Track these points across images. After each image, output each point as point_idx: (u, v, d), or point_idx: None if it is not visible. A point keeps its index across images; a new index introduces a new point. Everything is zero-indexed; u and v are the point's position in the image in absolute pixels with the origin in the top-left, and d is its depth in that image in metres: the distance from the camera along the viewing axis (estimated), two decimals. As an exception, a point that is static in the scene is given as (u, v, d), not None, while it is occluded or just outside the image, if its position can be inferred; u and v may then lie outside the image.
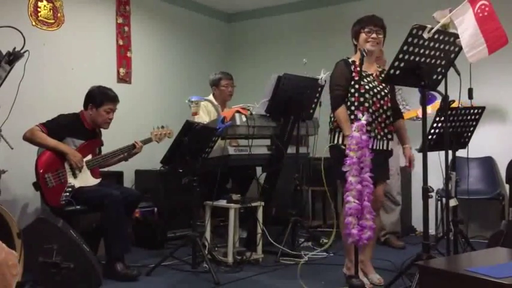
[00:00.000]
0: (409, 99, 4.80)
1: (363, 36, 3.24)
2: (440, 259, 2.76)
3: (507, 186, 4.25)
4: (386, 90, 3.31)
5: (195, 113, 4.03)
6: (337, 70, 3.30)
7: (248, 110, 4.15)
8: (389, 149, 3.35)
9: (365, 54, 2.94)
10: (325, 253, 4.15)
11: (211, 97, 4.76)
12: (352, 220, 2.76)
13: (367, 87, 3.19)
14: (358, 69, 3.20)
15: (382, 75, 3.35)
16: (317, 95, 4.28)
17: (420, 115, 4.47)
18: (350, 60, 3.30)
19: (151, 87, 5.63)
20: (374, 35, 3.23)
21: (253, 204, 3.97)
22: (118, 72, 5.25)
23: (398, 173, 4.63)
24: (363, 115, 2.84)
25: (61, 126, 3.70)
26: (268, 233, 4.03)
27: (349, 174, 2.79)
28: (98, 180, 3.79)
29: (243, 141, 4.40)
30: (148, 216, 4.70)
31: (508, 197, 4.32)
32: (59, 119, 3.74)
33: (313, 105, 4.36)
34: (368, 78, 3.26)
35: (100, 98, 3.80)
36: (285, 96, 4.07)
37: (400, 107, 4.45)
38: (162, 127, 4.05)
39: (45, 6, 4.58)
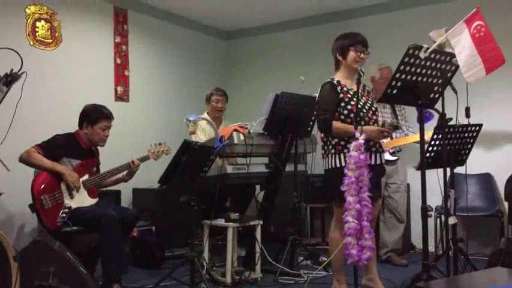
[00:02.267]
0: (410, 118, 4.80)
1: (352, 54, 3.25)
2: (440, 281, 2.74)
3: (506, 204, 4.23)
4: (375, 104, 3.38)
5: (193, 132, 4.02)
6: (324, 94, 3.29)
7: (246, 128, 4.15)
8: (383, 162, 3.35)
9: (362, 75, 2.94)
10: (324, 272, 4.12)
11: (205, 114, 4.77)
12: (352, 240, 2.74)
13: (359, 105, 3.19)
14: (345, 89, 3.23)
15: (367, 89, 3.43)
16: (314, 112, 4.27)
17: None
18: (335, 80, 3.29)
19: (149, 106, 5.63)
20: (362, 55, 3.25)
21: (252, 223, 3.94)
22: (116, 90, 5.25)
23: (406, 190, 4.60)
24: (360, 134, 2.83)
25: (57, 147, 3.68)
26: (266, 251, 4.00)
27: (347, 193, 2.78)
28: (94, 201, 3.76)
29: (241, 159, 4.39)
30: (146, 235, 4.67)
31: (507, 214, 4.30)
32: (54, 139, 3.73)
33: (311, 123, 4.36)
34: None
35: (94, 116, 3.79)
36: (282, 114, 4.08)
37: (404, 128, 4.47)
38: (160, 144, 4.03)
39: (43, 26, 4.59)
